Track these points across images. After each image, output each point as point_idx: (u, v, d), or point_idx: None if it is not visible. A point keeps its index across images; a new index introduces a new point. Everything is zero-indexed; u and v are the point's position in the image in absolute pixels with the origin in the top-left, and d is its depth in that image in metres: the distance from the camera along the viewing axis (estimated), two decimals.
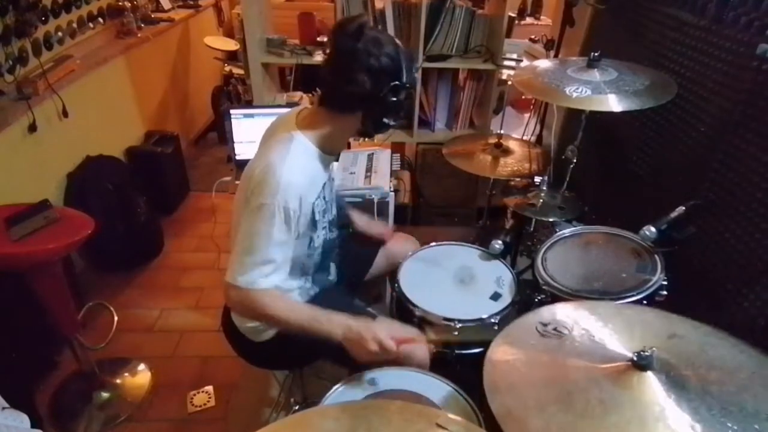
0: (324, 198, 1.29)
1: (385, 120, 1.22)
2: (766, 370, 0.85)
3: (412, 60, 1.23)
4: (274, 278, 1.17)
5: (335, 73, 1.17)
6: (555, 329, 0.97)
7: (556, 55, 2.29)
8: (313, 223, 1.26)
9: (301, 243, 1.26)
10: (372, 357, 1.15)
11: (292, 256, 1.21)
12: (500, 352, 0.95)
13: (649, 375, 0.82)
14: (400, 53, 1.17)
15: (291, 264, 1.24)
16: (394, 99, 1.18)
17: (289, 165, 1.15)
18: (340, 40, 1.15)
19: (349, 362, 1.31)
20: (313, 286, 1.42)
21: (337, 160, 1.39)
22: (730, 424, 0.75)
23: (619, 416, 0.78)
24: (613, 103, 1.41)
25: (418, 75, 2.39)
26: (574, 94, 1.46)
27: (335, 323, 1.18)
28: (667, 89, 1.45)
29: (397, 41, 1.19)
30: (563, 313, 1.02)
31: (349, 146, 2.59)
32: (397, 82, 1.16)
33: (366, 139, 1.37)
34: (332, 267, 1.49)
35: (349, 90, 1.16)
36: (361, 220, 1.65)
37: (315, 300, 1.39)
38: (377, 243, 1.65)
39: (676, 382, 0.82)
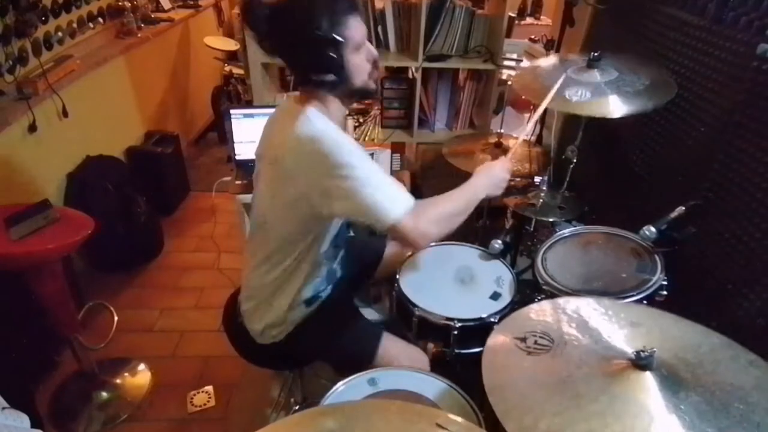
0: None
1: (313, 76, 1.14)
2: (711, 338, 0.91)
3: (339, 5, 1.13)
4: (406, 192, 1.16)
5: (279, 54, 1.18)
6: (536, 343, 0.95)
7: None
8: None
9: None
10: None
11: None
12: (497, 361, 0.94)
13: (650, 375, 0.82)
14: (316, 4, 1.10)
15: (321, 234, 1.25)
16: (313, 52, 1.10)
17: (319, 122, 1.14)
18: (253, 23, 1.13)
19: (348, 369, 1.32)
20: (324, 282, 1.41)
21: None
22: (737, 405, 0.77)
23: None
24: (614, 108, 1.40)
25: (418, 75, 2.39)
26: (574, 98, 1.46)
27: (479, 189, 1.30)
28: (667, 89, 1.45)
29: None
30: (529, 324, 1.00)
31: None
32: (309, 34, 1.08)
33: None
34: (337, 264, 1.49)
35: (288, 62, 1.18)
36: None
37: (326, 303, 1.40)
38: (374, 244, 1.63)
39: (674, 378, 0.82)
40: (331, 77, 1.13)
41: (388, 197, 1.12)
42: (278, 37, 1.14)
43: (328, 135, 1.12)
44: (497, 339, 0.98)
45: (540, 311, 1.03)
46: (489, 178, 1.33)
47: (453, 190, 1.27)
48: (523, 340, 0.96)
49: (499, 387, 0.86)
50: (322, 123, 1.15)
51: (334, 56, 1.11)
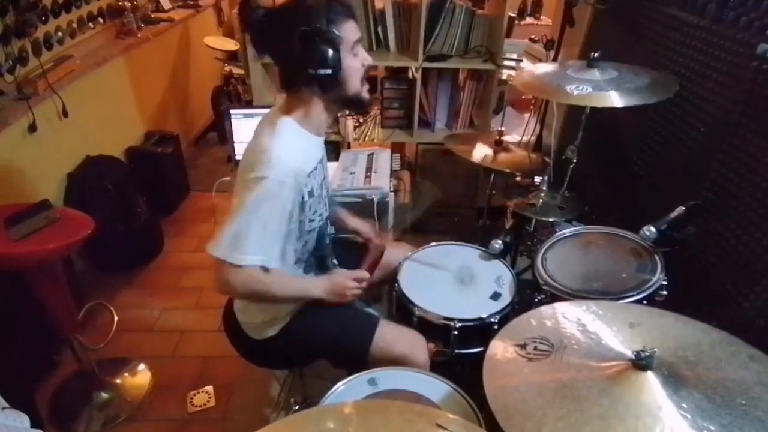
0: (317, 181, 1.27)
1: (310, 71, 1.13)
2: (712, 335, 0.91)
3: (321, 2, 1.15)
4: (258, 257, 1.17)
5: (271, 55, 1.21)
6: (536, 349, 0.94)
7: (556, 55, 2.28)
8: (302, 205, 1.24)
9: (294, 227, 1.26)
10: (354, 294, 1.33)
11: (282, 239, 1.21)
12: (498, 369, 0.94)
13: (651, 375, 0.82)
14: (294, 5, 1.15)
15: (283, 249, 1.24)
16: (310, 47, 1.12)
17: (281, 142, 1.16)
18: (250, 22, 1.16)
19: (347, 365, 1.32)
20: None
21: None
22: (739, 400, 0.77)
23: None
24: (615, 99, 1.41)
25: (418, 75, 2.39)
26: (575, 92, 1.46)
27: (313, 288, 1.31)
28: (668, 87, 1.45)
29: None
30: (529, 330, 1.00)
31: (349, 146, 2.59)
32: (306, 28, 1.11)
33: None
34: (333, 261, 1.49)
35: (276, 60, 1.19)
36: (350, 219, 1.61)
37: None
38: (362, 245, 1.60)
39: (675, 377, 0.82)
40: (327, 72, 1.14)
41: (232, 235, 1.14)
42: (275, 34, 1.15)
43: (268, 153, 1.13)
44: (497, 347, 0.97)
45: (538, 317, 1.03)
46: (330, 282, 1.32)
47: (295, 280, 1.33)
48: (523, 346, 0.95)
49: (501, 395, 0.86)
50: (282, 140, 1.16)
51: (331, 50, 1.13)
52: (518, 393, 0.86)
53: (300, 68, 1.15)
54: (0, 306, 1.81)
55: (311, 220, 1.30)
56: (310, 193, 1.25)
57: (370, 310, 1.52)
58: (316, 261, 1.43)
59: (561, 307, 1.05)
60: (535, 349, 0.94)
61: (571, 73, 1.56)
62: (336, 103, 1.25)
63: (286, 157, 1.14)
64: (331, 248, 1.49)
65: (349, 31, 1.17)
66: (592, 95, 1.45)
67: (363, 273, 1.36)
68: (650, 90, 1.44)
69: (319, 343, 1.40)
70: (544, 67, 1.72)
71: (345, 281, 1.32)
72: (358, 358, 1.31)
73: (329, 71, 1.14)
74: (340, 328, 1.37)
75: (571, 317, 1.01)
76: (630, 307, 1.07)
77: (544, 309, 1.05)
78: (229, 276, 1.18)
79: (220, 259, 1.16)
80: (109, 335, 2.26)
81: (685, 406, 0.77)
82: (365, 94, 1.25)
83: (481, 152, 1.97)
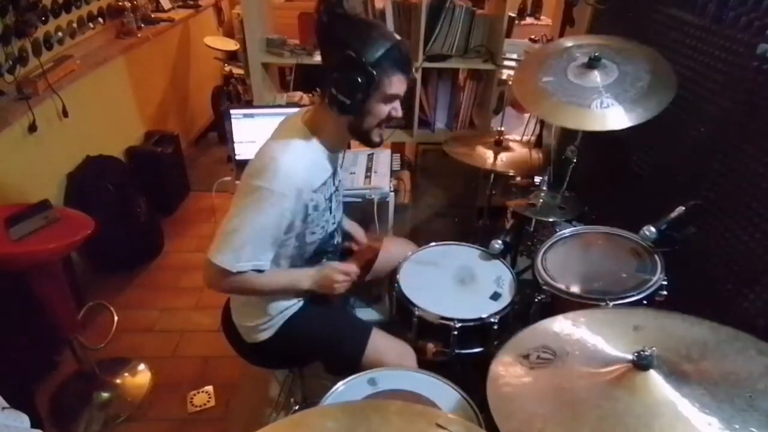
0: (324, 195, 1.28)
1: (338, 95, 1.13)
2: (719, 334, 0.91)
3: (386, 44, 1.12)
4: (251, 263, 1.18)
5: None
6: (538, 358, 0.94)
7: None
8: (305, 218, 1.25)
9: (292, 237, 1.27)
10: (343, 287, 1.30)
11: (277, 247, 1.23)
12: (500, 379, 0.94)
13: (652, 374, 0.82)
14: (363, 28, 1.15)
15: (278, 256, 1.26)
16: (344, 70, 1.11)
17: (292, 155, 1.16)
18: (320, 17, 1.15)
19: (338, 367, 1.32)
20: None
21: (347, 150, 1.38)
22: (743, 393, 0.77)
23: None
24: (637, 116, 1.40)
25: (418, 75, 2.39)
26: (606, 109, 1.44)
27: (302, 279, 1.30)
28: (669, 76, 1.44)
29: (373, 22, 1.20)
30: (533, 341, 1.00)
31: (349, 146, 2.59)
32: (352, 54, 1.09)
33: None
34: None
35: (323, 68, 1.18)
36: (346, 222, 1.59)
37: (313, 301, 1.40)
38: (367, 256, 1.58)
39: (676, 374, 0.82)
40: (345, 101, 1.13)
41: (229, 243, 1.16)
42: (330, 41, 1.16)
43: (275, 164, 1.13)
44: (502, 361, 0.97)
45: (540, 328, 1.03)
46: (319, 273, 1.31)
47: (282, 274, 1.30)
48: (527, 357, 0.95)
49: (505, 406, 0.86)
50: (292, 154, 1.16)
51: (361, 87, 1.11)
52: (521, 402, 0.86)
53: (328, 84, 1.14)
54: (0, 306, 1.81)
55: (312, 233, 1.31)
56: (315, 207, 1.26)
57: (370, 310, 1.53)
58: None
59: (561, 317, 1.04)
60: (538, 358, 0.94)
61: (572, 78, 1.54)
62: (351, 130, 1.24)
63: (293, 171, 1.15)
64: (339, 259, 1.48)
65: (394, 82, 1.16)
66: (618, 110, 1.42)
67: (352, 267, 1.34)
68: (653, 91, 1.42)
69: (314, 348, 1.41)
70: (545, 76, 1.68)
71: (333, 273, 1.30)
72: (352, 364, 1.31)
73: (348, 101, 1.13)
74: (335, 333, 1.38)
75: (571, 324, 1.00)
76: (633, 310, 1.06)
77: (545, 322, 1.05)
78: (222, 280, 1.20)
79: (216, 265, 1.16)
80: (109, 335, 2.26)
81: (687, 401, 0.77)
82: (376, 137, 1.24)
83: (481, 156, 1.97)
